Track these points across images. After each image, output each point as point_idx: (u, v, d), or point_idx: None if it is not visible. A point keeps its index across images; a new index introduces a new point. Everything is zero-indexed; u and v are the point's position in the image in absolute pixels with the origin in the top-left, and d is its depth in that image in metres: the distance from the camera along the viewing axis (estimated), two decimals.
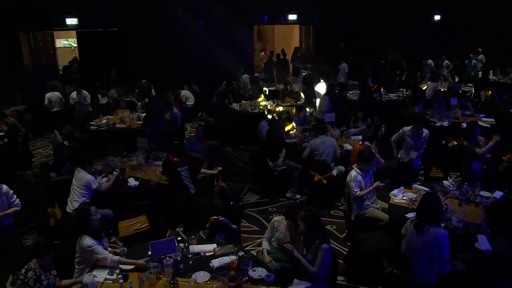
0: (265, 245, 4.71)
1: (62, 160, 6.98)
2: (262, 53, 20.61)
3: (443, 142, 8.66)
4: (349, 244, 5.87)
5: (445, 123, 9.34)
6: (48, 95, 11.21)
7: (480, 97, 12.69)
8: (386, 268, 4.38)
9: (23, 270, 3.73)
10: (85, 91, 10.94)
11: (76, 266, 4.17)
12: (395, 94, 12.55)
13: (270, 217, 6.61)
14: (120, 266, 4.04)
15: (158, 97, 10.83)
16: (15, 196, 5.26)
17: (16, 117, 10.25)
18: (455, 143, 8.51)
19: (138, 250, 4.35)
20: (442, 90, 12.82)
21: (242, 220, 6.68)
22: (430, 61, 15.89)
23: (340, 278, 5.26)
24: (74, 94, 10.81)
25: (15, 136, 9.11)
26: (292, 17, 17.34)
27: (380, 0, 17.50)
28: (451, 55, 16.64)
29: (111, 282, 3.86)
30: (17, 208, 5.24)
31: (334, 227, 6.55)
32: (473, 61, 15.77)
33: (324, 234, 4.29)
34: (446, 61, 16.11)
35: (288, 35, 21.55)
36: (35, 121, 11.11)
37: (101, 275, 3.91)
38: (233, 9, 15.86)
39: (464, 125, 9.25)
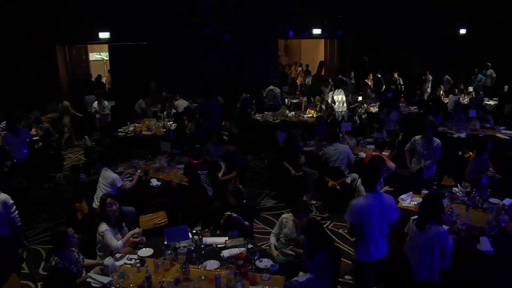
0: (273, 240, 5.00)
1: (91, 162, 7.46)
2: (300, 68, 21.13)
3: (460, 153, 8.78)
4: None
5: (462, 135, 9.44)
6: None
7: (504, 110, 12.65)
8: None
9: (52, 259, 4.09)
10: (105, 102, 11.30)
11: (98, 253, 4.57)
12: (415, 107, 12.68)
13: None
14: (138, 253, 4.41)
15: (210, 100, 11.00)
16: (14, 207, 5.08)
17: (50, 124, 10.93)
18: (471, 154, 8.62)
19: (154, 242, 4.71)
20: (464, 103, 12.96)
21: (258, 221, 6.99)
22: (446, 76, 15.92)
23: (348, 277, 5.49)
24: (95, 104, 11.15)
25: (49, 140, 9.72)
26: (317, 31, 17.69)
27: (405, 14, 17.76)
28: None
29: (129, 266, 4.22)
30: (16, 225, 5.09)
31: (346, 231, 6.77)
32: (480, 76, 15.65)
33: (323, 242, 4.49)
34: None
35: (314, 49, 21.94)
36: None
37: (120, 260, 4.29)
38: (259, 24, 16.43)
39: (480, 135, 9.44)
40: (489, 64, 16.06)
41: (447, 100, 13.10)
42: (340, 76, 14.58)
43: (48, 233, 6.61)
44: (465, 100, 13.57)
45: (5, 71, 13.81)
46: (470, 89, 14.92)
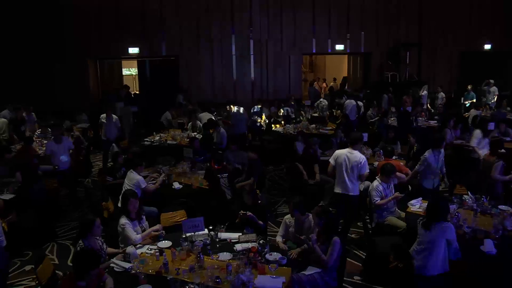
0: (279, 239, 5.28)
1: (117, 167, 7.96)
2: (324, 84, 21.53)
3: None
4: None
5: None
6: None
7: None
8: (392, 263, 4.82)
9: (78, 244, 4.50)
10: (114, 115, 11.49)
11: (120, 245, 4.96)
12: (435, 121, 12.78)
13: None
14: (158, 244, 4.78)
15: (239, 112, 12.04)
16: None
17: (80, 132, 11.55)
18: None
19: (173, 236, 5.08)
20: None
21: (273, 225, 7.28)
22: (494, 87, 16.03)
23: (357, 277, 5.73)
24: (103, 117, 11.32)
25: (79, 148, 10.28)
26: (340, 47, 18.03)
27: (428, 29, 18.03)
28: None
29: (149, 255, 4.60)
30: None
31: (358, 236, 6.99)
32: (472, 93, 15.56)
33: (335, 229, 4.81)
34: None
35: (338, 65, 22.30)
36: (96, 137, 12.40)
37: (141, 249, 4.67)
38: (283, 40, 16.97)
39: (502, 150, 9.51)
40: (492, 81, 16.01)
41: (468, 115, 13.16)
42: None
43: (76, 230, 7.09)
44: (487, 114, 13.57)
45: (40, 83, 14.66)
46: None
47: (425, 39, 18.27)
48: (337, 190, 6.51)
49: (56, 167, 8.35)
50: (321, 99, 14.49)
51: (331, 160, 6.61)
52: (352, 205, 6.50)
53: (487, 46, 19.24)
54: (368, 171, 6.58)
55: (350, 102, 13.58)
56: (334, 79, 21.94)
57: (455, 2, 18.43)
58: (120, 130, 11.56)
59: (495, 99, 15.69)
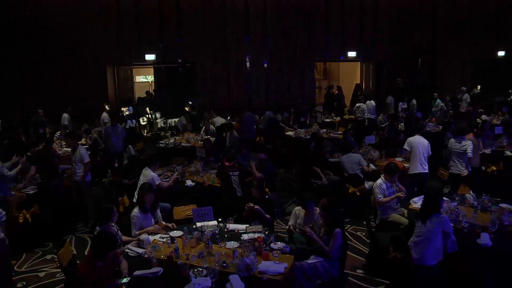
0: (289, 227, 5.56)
1: (133, 168, 8.35)
2: (336, 90, 21.78)
3: (483, 168, 9.04)
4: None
5: (487, 151, 9.66)
6: None
7: None
8: (391, 254, 5.05)
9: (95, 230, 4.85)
10: (119, 125, 11.55)
11: (132, 234, 5.30)
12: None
13: None
14: (170, 233, 5.10)
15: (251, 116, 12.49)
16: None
17: (98, 135, 12.00)
18: (494, 168, 8.90)
19: (185, 227, 5.38)
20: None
21: (281, 222, 7.55)
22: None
23: (359, 271, 5.98)
24: (106, 122, 12.05)
25: (96, 149, 10.71)
26: (352, 54, 18.29)
27: (442, 36, 18.19)
28: None
29: (161, 242, 4.92)
30: None
31: (364, 233, 7.22)
32: (438, 100, 15.49)
33: (339, 221, 5.06)
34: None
35: (352, 72, 22.52)
36: None
37: (154, 237, 5.01)
38: (296, 48, 17.32)
39: (508, 152, 9.65)
40: (464, 88, 16.10)
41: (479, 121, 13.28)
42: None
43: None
44: (499, 120, 13.67)
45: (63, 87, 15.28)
46: None
47: (438, 46, 18.44)
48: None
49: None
50: (360, 104, 14.95)
51: (406, 147, 7.87)
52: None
53: (501, 53, 19.31)
54: None
55: (370, 103, 14.80)
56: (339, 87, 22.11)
57: (468, 9, 18.58)
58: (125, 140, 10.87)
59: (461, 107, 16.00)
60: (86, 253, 6.44)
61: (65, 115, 13.70)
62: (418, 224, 5.01)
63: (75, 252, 6.56)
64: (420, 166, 7.65)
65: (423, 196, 6.45)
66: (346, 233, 7.08)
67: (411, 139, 7.92)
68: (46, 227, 6.95)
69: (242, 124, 12.19)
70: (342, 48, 18.09)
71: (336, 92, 18.73)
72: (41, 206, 6.88)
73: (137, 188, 7.01)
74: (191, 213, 6.14)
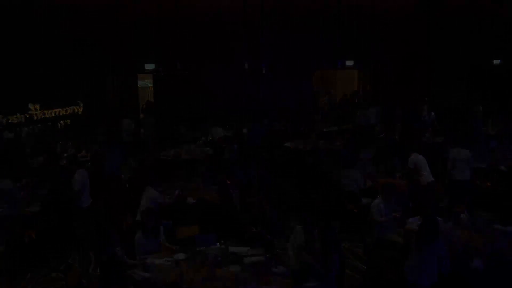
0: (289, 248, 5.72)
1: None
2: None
3: (478, 182, 9.20)
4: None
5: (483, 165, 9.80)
6: None
7: None
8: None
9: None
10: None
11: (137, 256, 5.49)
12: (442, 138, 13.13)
13: None
14: (174, 256, 5.28)
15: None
16: None
17: None
18: (489, 184, 9.09)
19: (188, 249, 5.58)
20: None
21: (281, 239, 7.72)
22: None
23: None
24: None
25: None
26: (349, 63, 18.46)
27: (437, 43, 18.38)
28: None
29: (166, 265, 5.10)
30: None
31: (361, 250, 7.39)
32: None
33: (335, 243, 5.22)
34: None
35: (349, 79, 22.65)
36: None
37: (159, 260, 5.20)
38: (294, 55, 17.49)
39: (502, 167, 9.81)
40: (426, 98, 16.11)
41: None
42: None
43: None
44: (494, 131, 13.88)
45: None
46: None
47: (433, 54, 18.61)
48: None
49: None
50: (363, 110, 15.19)
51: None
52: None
53: (497, 61, 19.44)
54: None
55: (373, 109, 14.97)
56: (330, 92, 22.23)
57: (464, 16, 18.71)
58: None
59: None
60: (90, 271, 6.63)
61: None
62: (414, 247, 5.17)
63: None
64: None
65: (418, 217, 6.70)
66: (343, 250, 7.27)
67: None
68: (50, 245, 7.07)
69: (250, 135, 12.46)
70: (339, 55, 18.24)
71: (334, 99, 18.95)
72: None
73: (140, 205, 7.25)
74: (193, 233, 6.36)
